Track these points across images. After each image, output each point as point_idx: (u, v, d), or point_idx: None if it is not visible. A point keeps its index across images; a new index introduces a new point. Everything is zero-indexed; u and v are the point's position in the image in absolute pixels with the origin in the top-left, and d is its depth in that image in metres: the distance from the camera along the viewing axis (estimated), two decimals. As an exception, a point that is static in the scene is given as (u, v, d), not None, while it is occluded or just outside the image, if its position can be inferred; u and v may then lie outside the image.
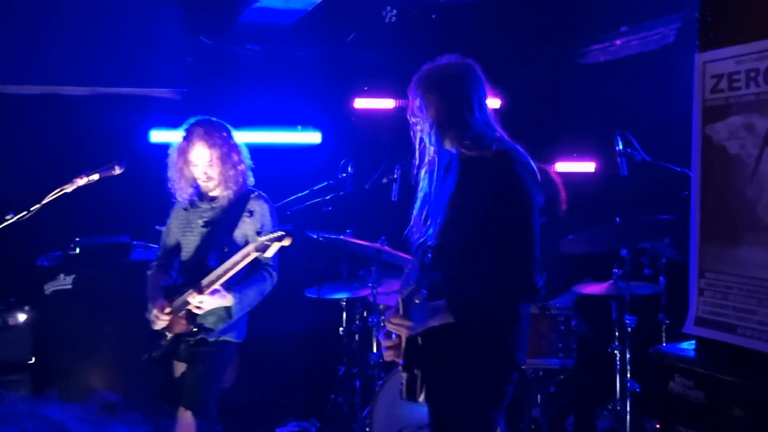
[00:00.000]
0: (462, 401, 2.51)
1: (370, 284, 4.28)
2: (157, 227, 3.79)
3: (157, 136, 5.08)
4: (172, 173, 3.54)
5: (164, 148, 4.17)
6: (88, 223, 4.68)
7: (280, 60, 5.51)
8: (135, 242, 4.67)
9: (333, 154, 5.09)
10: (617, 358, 4.13)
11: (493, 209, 2.43)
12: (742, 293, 1.99)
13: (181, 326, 3.41)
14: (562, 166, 5.32)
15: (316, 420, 4.86)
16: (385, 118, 5.40)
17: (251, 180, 3.59)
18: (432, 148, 2.58)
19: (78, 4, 4.87)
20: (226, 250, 3.42)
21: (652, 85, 4.87)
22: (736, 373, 1.95)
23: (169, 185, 3.56)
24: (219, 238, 3.45)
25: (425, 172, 2.67)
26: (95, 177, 3.29)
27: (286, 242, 3.18)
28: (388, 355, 2.61)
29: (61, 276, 4.39)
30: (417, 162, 2.67)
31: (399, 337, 2.58)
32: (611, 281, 4.17)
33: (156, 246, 3.78)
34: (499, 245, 2.41)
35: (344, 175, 4.32)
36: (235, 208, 3.51)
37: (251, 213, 3.48)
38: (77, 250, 4.44)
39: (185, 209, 3.60)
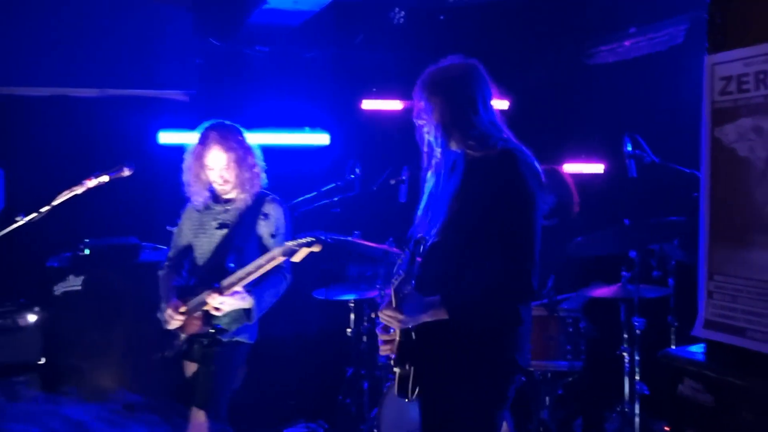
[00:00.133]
0: (459, 401, 2.50)
1: (377, 286, 4.28)
2: (168, 228, 3.80)
3: (166, 137, 5.10)
4: (187, 177, 3.56)
5: (173, 149, 4.19)
6: (97, 225, 4.70)
7: (288, 61, 5.53)
8: (144, 243, 4.69)
9: (341, 155, 5.09)
10: (626, 361, 4.12)
11: (493, 208, 2.42)
12: (752, 296, 1.98)
13: (196, 327, 3.43)
14: (571, 168, 5.31)
15: (324, 421, 4.87)
16: (393, 120, 5.40)
17: (265, 182, 3.62)
18: (438, 150, 2.59)
19: (87, 6, 4.89)
20: (242, 252, 3.45)
21: (660, 86, 4.86)
22: (745, 376, 1.94)
23: (185, 189, 3.59)
24: (235, 240, 3.47)
25: (431, 174, 2.68)
26: (105, 179, 3.31)
27: (316, 248, 3.19)
28: (384, 350, 2.61)
29: (71, 277, 4.41)
30: (425, 164, 2.68)
31: (394, 336, 2.58)
32: (620, 284, 4.16)
33: (165, 247, 3.80)
34: (497, 244, 2.41)
35: (352, 176, 4.33)
36: (251, 211, 3.53)
37: (266, 216, 3.52)
38: (87, 252, 4.46)
39: (198, 211, 3.62)
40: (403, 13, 5.14)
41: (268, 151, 3.75)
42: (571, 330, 3.95)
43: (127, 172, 3.38)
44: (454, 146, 2.57)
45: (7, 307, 4.25)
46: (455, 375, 2.50)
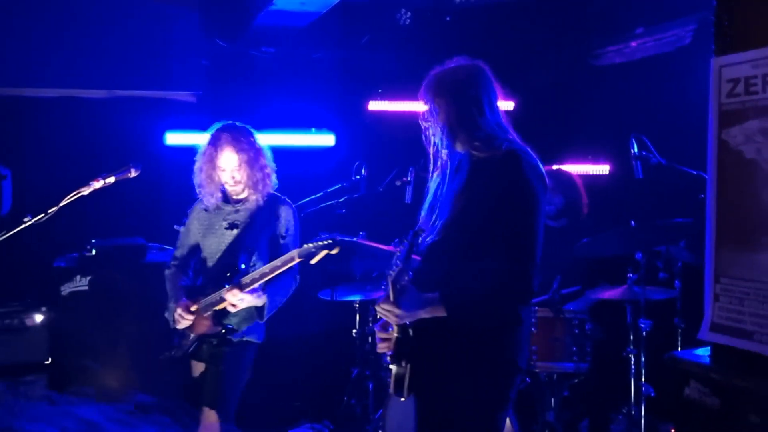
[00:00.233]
0: (459, 402, 2.50)
1: (383, 286, 4.28)
2: (175, 227, 3.81)
3: (172, 138, 5.11)
4: (199, 179, 3.58)
5: (180, 150, 4.20)
6: (104, 225, 4.73)
7: (294, 62, 5.53)
8: (150, 244, 4.71)
9: (347, 156, 5.10)
10: (632, 362, 4.11)
11: (496, 208, 2.42)
12: (759, 299, 1.97)
13: (206, 327, 3.45)
14: (576, 169, 5.31)
15: (329, 422, 4.87)
16: (399, 121, 5.40)
17: (275, 183, 3.63)
18: (444, 152, 2.59)
19: (95, 8, 4.92)
20: (253, 252, 3.45)
21: (667, 87, 4.84)
22: (752, 379, 1.93)
23: (197, 191, 3.60)
24: (246, 241, 3.49)
25: (436, 175, 2.68)
26: (112, 180, 3.33)
27: (335, 251, 3.20)
28: (381, 347, 2.61)
29: (78, 277, 4.43)
30: (431, 166, 2.68)
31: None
32: (626, 286, 4.15)
33: (171, 248, 3.81)
34: (498, 244, 2.41)
35: (358, 177, 4.33)
36: (262, 212, 3.55)
37: (277, 217, 3.55)
38: (93, 252, 4.48)
39: (207, 211, 3.63)
40: (409, 14, 5.14)
41: (275, 152, 3.76)
42: (577, 331, 3.94)
43: (133, 173, 3.40)
44: (459, 147, 2.57)
45: (15, 307, 4.28)
46: (454, 375, 2.50)
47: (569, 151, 5.36)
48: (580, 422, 4.37)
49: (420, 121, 2.64)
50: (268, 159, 3.62)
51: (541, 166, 2.52)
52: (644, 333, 4.06)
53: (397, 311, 2.42)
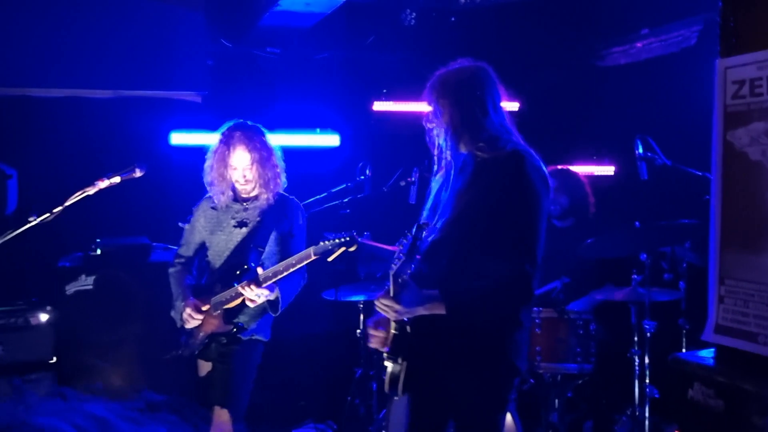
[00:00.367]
0: (457, 403, 2.51)
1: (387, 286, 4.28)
2: (179, 224, 3.80)
3: (177, 138, 5.12)
4: (210, 177, 3.57)
5: (185, 150, 4.21)
6: (109, 225, 4.73)
7: (299, 63, 5.54)
8: (155, 244, 4.72)
9: (351, 156, 5.10)
10: (636, 364, 4.10)
11: (497, 207, 2.43)
12: (764, 301, 1.96)
13: (215, 325, 3.44)
14: (582, 170, 5.30)
15: (333, 422, 4.87)
16: (404, 121, 5.41)
17: (284, 182, 3.64)
18: (449, 153, 2.59)
19: (100, 8, 4.93)
20: (262, 251, 3.46)
21: (672, 88, 4.83)
22: (756, 381, 1.92)
23: (208, 189, 3.60)
24: (256, 239, 3.48)
25: (440, 175, 2.69)
26: (117, 179, 3.34)
27: (353, 248, 3.18)
28: (372, 343, 2.62)
29: (83, 277, 4.44)
30: (435, 168, 2.69)
31: (387, 330, 2.58)
32: (630, 287, 4.14)
33: (176, 247, 3.80)
34: (499, 244, 2.41)
35: (362, 177, 4.34)
36: (271, 211, 3.56)
37: (285, 216, 3.54)
38: (98, 252, 4.49)
39: (214, 209, 3.62)
40: (414, 14, 5.14)
41: (279, 152, 3.76)
42: (581, 332, 3.94)
43: (138, 173, 3.41)
44: (463, 148, 2.57)
45: (20, 306, 4.29)
46: (451, 375, 2.50)
47: (574, 152, 5.36)
48: (583, 423, 4.36)
49: (424, 123, 2.65)
50: (279, 158, 3.63)
51: (544, 167, 2.52)
52: (649, 334, 4.05)
53: (397, 307, 2.42)
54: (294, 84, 5.50)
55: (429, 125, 2.63)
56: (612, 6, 5.09)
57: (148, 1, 5.03)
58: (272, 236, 3.52)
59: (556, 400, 4.04)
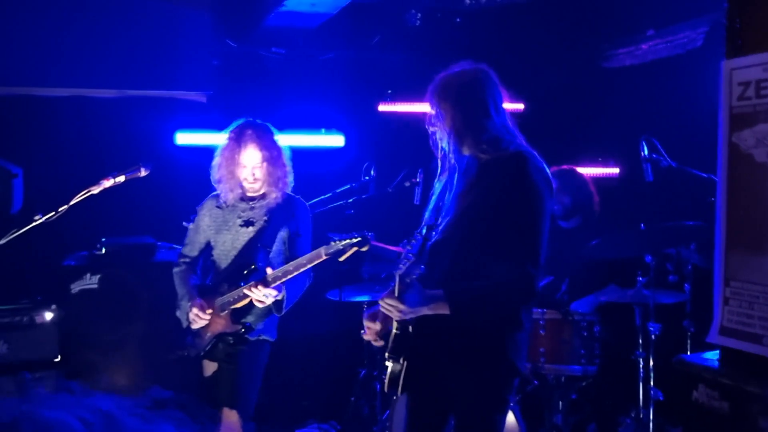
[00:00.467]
0: (457, 404, 2.52)
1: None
2: (183, 224, 3.79)
3: (182, 138, 5.13)
4: (219, 174, 3.54)
5: (190, 150, 4.20)
6: (114, 224, 4.74)
7: (304, 63, 5.55)
8: (159, 243, 4.73)
9: (356, 157, 5.10)
10: (641, 366, 4.09)
11: (500, 208, 2.44)
12: (769, 303, 1.96)
13: (222, 325, 3.42)
14: (586, 171, 5.29)
15: (336, 422, 4.87)
16: (409, 121, 5.41)
17: (292, 182, 3.62)
18: (452, 156, 2.60)
19: (105, 8, 4.94)
20: (269, 250, 3.45)
21: (678, 90, 4.82)
22: (761, 383, 1.92)
23: (216, 186, 3.57)
24: (264, 238, 3.47)
25: (443, 177, 2.70)
26: (121, 179, 3.34)
27: (365, 248, 3.14)
28: (367, 334, 2.62)
29: (87, 275, 4.46)
30: (438, 171, 2.69)
31: (383, 323, 2.58)
32: (635, 289, 4.13)
33: (180, 247, 3.80)
34: (502, 244, 2.42)
35: (367, 178, 4.34)
36: (278, 210, 3.54)
37: (292, 215, 3.53)
38: (103, 251, 4.51)
39: (220, 207, 3.60)
40: (419, 15, 5.14)
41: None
42: (585, 334, 3.93)
43: (143, 173, 3.41)
44: (466, 151, 2.58)
45: (25, 305, 4.31)
46: (451, 375, 2.51)
47: (579, 154, 5.34)
48: (587, 425, 4.35)
49: (426, 126, 2.65)
50: (288, 158, 3.61)
51: (547, 168, 2.52)
52: (653, 336, 4.04)
53: (401, 306, 2.43)
54: (299, 84, 5.50)
55: (431, 128, 2.64)
56: (617, 7, 5.08)
57: (153, 1, 5.04)
58: (279, 236, 3.51)
59: (560, 402, 4.03)
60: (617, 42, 5.40)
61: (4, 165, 4.47)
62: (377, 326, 2.61)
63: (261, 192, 3.57)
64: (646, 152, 3.97)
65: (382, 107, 5.52)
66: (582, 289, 4.26)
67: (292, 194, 3.64)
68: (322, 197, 4.32)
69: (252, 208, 3.55)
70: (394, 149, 5.32)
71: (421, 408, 2.61)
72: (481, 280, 2.43)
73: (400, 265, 2.44)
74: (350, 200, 4.30)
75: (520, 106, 5.38)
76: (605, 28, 5.32)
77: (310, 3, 4.41)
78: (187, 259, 3.65)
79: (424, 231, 2.43)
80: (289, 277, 3.29)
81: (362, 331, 4.52)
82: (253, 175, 3.50)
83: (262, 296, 3.27)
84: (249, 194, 3.58)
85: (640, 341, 4.11)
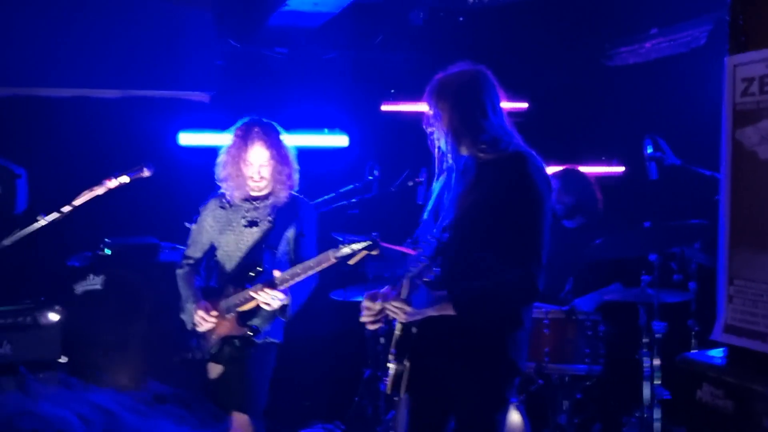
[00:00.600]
0: (455, 402, 2.52)
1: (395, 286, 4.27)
2: (186, 224, 3.78)
3: (186, 138, 5.14)
4: (225, 172, 3.50)
5: (193, 150, 4.20)
6: (117, 225, 4.75)
7: (307, 63, 5.54)
8: (163, 243, 4.73)
9: (359, 156, 5.10)
10: (646, 365, 4.07)
11: (501, 208, 2.44)
12: (773, 301, 1.94)
13: (228, 328, 3.39)
14: (590, 170, 5.27)
15: (341, 422, 4.87)
16: (412, 121, 5.40)
17: (297, 182, 3.59)
18: (450, 156, 2.60)
19: (108, 8, 4.95)
20: (275, 251, 3.42)
21: (682, 88, 4.80)
22: (766, 382, 1.91)
23: (222, 185, 3.53)
24: (269, 239, 3.44)
25: (441, 178, 2.71)
26: (125, 179, 3.35)
27: (375, 252, 3.10)
28: (364, 316, 2.62)
29: (91, 276, 4.46)
30: (436, 171, 2.70)
31: (383, 306, 2.55)
32: (640, 288, 4.11)
33: (184, 247, 3.79)
34: (504, 245, 2.42)
35: (370, 177, 4.33)
36: (283, 210, 3.51)
37: (296, 216, 3.50)
38: (107, 251, 4.51)
39: (223, 208, 3.56)
40: (422, 14, 5.13)
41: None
42: (590, 333, 3.92)
43: (147, 173, 3.41)
44: (464, 151, 2.58)
45: (28, 305, 4.30)
46: (452, 375, 2.52)
47: (583, 152, 5.33)
48: (592, 425, 4.34)
49: (424, 126, 2.66)
50: (294, 158, 3.57)
51: (545, 169, 2.54)
52: (658, 335, 4.02)
53: (408, 309, 2.43)
54: (302, 84, 5.50)
55: (429, 128, 2.64)
56: (621, 5, 5.07)
57: (156, 1, 5.05)
58: (284, 236, 3.48)
59: (565, 402, 4.02)
60: (620, 41, 5.39)
61: (7, 166, 4.48)
62: (378, 306, 2.58)
63: (266, 191, 3.53)
64: (650, 150, 3.96)
65: (386, 107, 5.52)
66: (586, 289, 4.24)
67: (297, 194, 3.61)
68: (326, 197, 4.32)
69: (256, 208, 3.52)
70: (398, 149, 5.31)
71: (422, 408, 2.62)
72: (484, 280, 2.43)
73: (411, 267, 2.44)
74: (354, 200, 4.29)
75: (524, 105, 5.37)
76: (608, 26, 5.30)
77: (313, 2, 4.41)
78: (191, 261, 3.62)
79: (438, 233, 2.43)
80: (297, 280, 3.26)
81: (366, 331, 4.55)
82: (259, 173, 3.46)
83: (270, 299, 3.24)
84: (253, 193, 3.54)
85: (645, 341, 4.10)
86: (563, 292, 4.20)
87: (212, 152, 3.64)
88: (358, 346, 4.75)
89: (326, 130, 5.47)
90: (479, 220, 2.46)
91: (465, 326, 2.47)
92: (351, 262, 3.15)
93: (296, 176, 3.57)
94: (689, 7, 4.77)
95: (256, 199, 3.54)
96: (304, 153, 3.73)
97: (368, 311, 2.61)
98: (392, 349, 2.56)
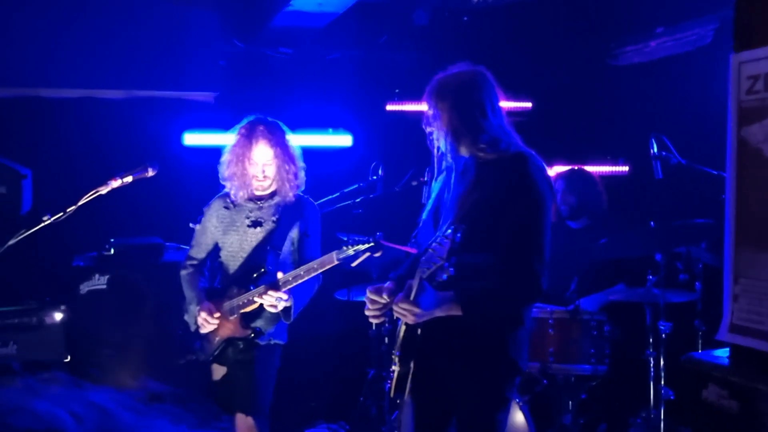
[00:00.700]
0: (457, 402, 2.52)
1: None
2: (190, 225, 3.77)
3: (190, 138, 5.14)
4: (230, 171, 3.48)
5: (197, 150, 4.19)
6: (122, 225, 4.76)
7: (311, 63, 5.55)
8: (168, 243, 4.73)
9: (364, 156, 5.09)
10: (651, 365, 4.06)
11: (503, 208, 2.44)
12: (779, 300, 1.93)
13: (232, 330, 3.38)
14: (595, 169, 5.26)
15: (345, 422, 4.87)
16: (416, 121, 5.39)
17: (304, 181, 3.56)
18: (449, 156, 2.60)
19: (113, 8, 4.96)
20: (279, 252, 3.40)
21: (687, 87, 4.79)
22: (772, 381, 1.89)
23: (227, 184, 3.51)
24: (273, 239, 3.42)
25: (441, 179, 2.71)
26: (129, 179, 3.35)
27: (378, 253, 3.08)
28: (369, 309, 2.61)
29: (96, 276, 4.46)
30: (435, 171, 2.70)
31: (390, 299, 2.54)
32: (645, 288, 4.10)
33: (188, 247, 3.78)
34: (506, 245, 2.42)
35: (375, 177, 4.33)
36: (288, 210, 3.48)
37: (301, 216, 3.47)
38: (112, 251, 4.51)
39: (227, 208, 3.55)
40: (426, 14, 5.13)
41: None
42: (595, 333, 3.91)
43: (151, 173, 3.41)
44: (464, 151, 2.58)
45: (33, 305, 4.31)
46: (453, 375, 2.52)
47: (588, 152, 5.32)
48: (597, 426, 4.32)
49: (423, 126, 2.65)
50: (299, 157, 3.54)
51: (546, 169, 2.55)
52: (664, 335, 4.01)
53: (416, 310, 2.42)
54: (306, 84, 5.50)
55: (428, 129, 2.64)
56: (626, 4, 5.05)
57: (160, 2, 5.05)
58: (289, 237, 3.45)
59: (570, 402, 4.00)
60: (625, 40, 5.37)
61: (12, 166, 4.48)
62: (383, 300, 2.58)
63: (269, 191, 3.51)
64: (655, 150, 3.95)
65: (390, 107, 5.51)
66: (591, 289, 4.23)
67: (301, 194, 3.58)
68: (330, 197, 4.31)
69: (260, 208, 3.50)
70: (402, 149, 5.30)
71: (424, 409, 2.62)
72: (488, 280, 2.43)
73: (424, 268, 2.43)
74: (358, 200, 4.29)
75: (528, 105, 5.36)
76: (613, 25, 5.29)
77: (317, 2, 4.40)
78: (195, 261, 3.60)
79: (449, 232, 2.40)
80: (300, 281, 3.24)
81: (370, 331, 4.55)
82: (263, 172, 3.43)
83: (274, 300, 3.22)
84: (257, 193, 3.51)
85: (651, 340, 4.09)
86: (568, 292, 4.19)
87: (217, 152, 3.63)
88: (362, 346, 4.75)
89: (330, 130, 5.47)
90: (481, 220, 2.46)
91: (465, 326, 2.47)
92: (354, 263, 3.14)
93: (303, 175, 3.55)
94: (695, 6, 4.76)
95: (260, 198, 3.52)
96: (308, 153, 3.73)
97: (373, 305, 2.60)
98: (397, 351, 2.56)
